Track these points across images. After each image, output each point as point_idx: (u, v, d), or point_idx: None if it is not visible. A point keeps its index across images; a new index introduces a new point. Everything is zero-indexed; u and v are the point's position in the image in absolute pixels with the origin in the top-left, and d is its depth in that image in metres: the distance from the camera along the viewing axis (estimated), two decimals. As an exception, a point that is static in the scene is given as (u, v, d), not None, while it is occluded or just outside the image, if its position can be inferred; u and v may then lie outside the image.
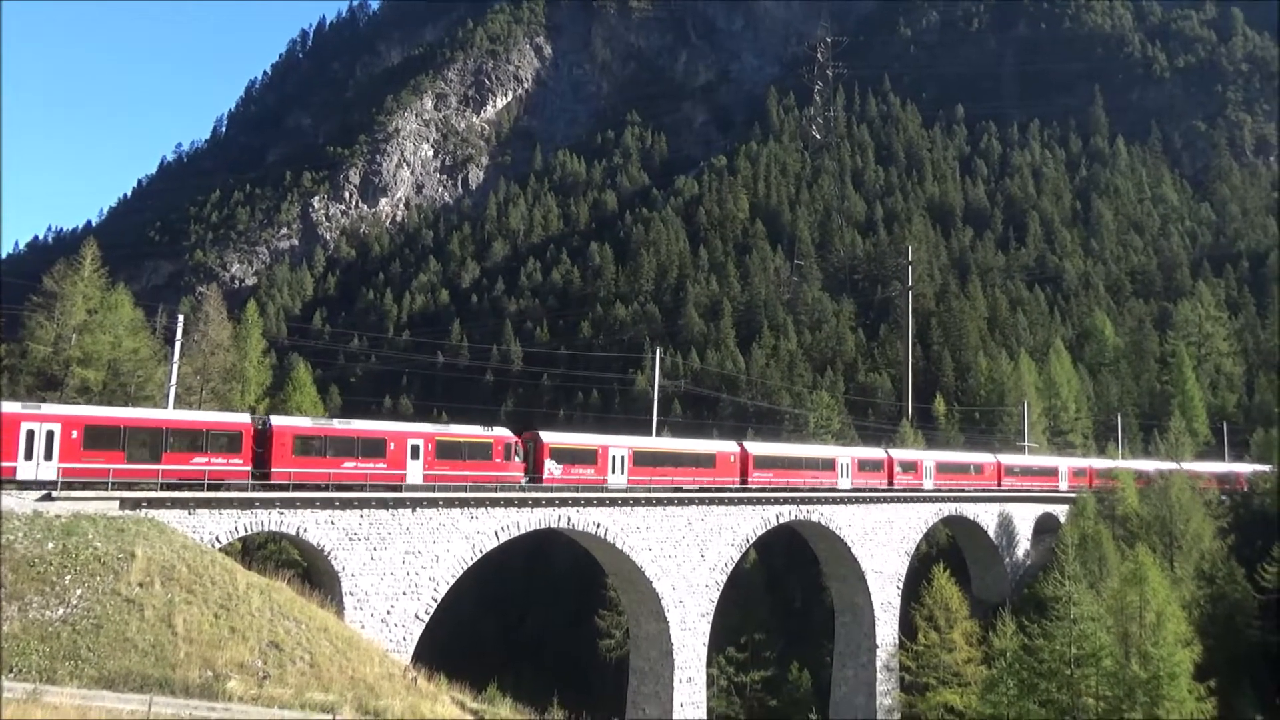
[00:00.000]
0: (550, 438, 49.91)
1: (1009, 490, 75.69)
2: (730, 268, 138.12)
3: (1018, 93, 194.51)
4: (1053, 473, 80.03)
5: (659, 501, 52.03)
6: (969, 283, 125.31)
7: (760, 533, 57.68)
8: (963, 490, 72.27)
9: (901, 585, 65.26)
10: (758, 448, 60.94)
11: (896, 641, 63.70)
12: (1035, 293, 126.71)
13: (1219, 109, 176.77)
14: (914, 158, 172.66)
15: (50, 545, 31.79)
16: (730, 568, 55.55)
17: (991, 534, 73.20)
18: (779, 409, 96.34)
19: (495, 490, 46.01)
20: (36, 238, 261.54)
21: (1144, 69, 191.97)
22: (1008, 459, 77.66)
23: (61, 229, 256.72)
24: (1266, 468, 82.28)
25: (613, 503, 50.05)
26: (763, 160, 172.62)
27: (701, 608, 53.26)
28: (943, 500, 70.13)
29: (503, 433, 47.69)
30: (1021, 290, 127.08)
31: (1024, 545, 75.99)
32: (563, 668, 77.28)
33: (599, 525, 49.21)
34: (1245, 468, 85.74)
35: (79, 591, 30.99)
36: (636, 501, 51.06)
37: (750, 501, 56.76)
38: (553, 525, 48.20)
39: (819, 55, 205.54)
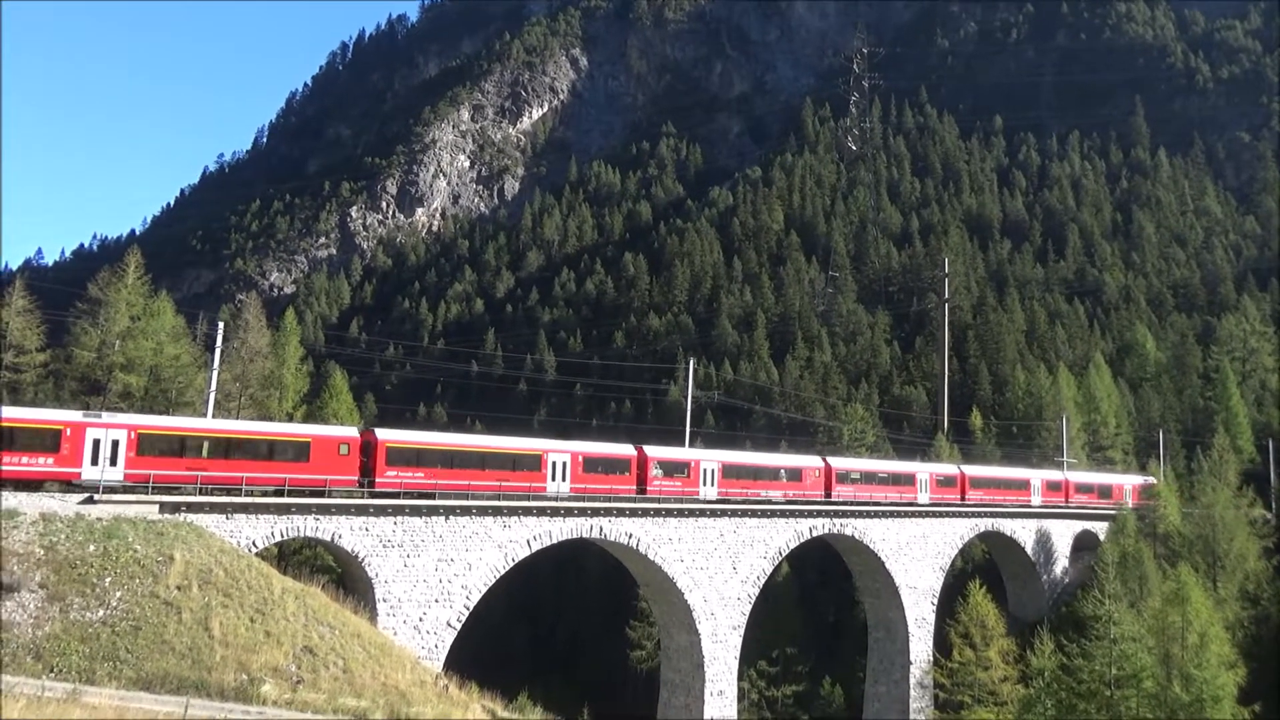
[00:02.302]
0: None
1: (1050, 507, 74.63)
2: (764, 279, 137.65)
3: (1057, 103, 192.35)
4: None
5: (690, 513, 51.85)
6: (1006, 295, 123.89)
7: (793, 545, 57.27)
8: (1000, 506, 71.38)
9: (936, 601, 64.46)
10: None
11: (931, 658, 62.88)
12: (1074, 306, 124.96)
13: (1264, 120, 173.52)
14: (951, 169, 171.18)
15: (91, 548, 32.31)
16: (762, 580, 55.20)
17: (1029, 550, 72.12)
18: (813, 421, 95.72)
19: (528, 499, 46.20)
20: (82, 245, 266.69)
21: (1186, 79, 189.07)
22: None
23: (106, 237, 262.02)
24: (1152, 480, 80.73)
25: (644, 513, 49.94)
26: (798, 171, 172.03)
27: (733, 620, 52.93)
28: (979, 515, 69.24)
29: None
30: (1060, 303, 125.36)
31: (1062, 562, 74.76)
32: (593, 678, 77.16)
33: (630, 535, 49.11)
34: (1138, 479, 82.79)
35: (118, 594, 31.44)
36: (669, 513, 50.92)
37: (782, 514, 56.39)
38: (585, 535, 48.21)
39: (855, 66, 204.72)
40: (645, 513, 49.97)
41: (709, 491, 52.99)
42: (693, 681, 52.06)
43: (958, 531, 67.37)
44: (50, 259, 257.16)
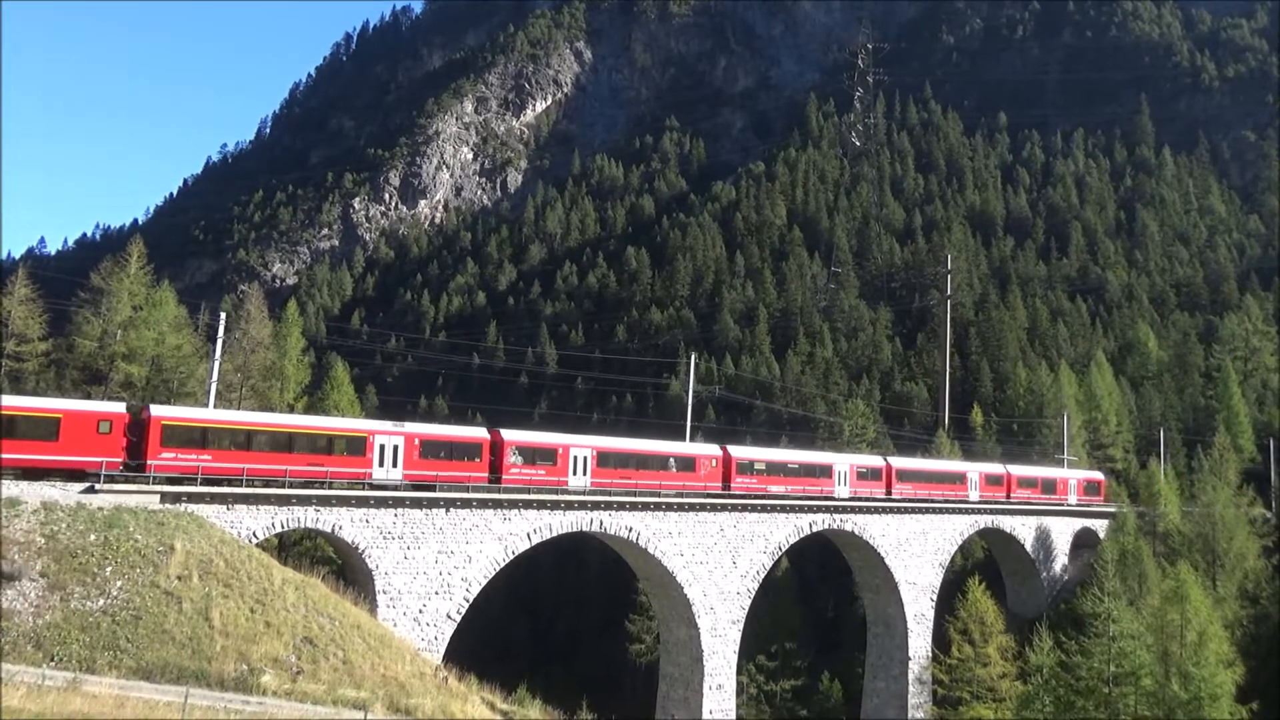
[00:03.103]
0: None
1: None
2: (766, 274, 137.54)
3: (1062, 101, 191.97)
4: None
5: (691, 507, 51.90)
6: (1009, 293, 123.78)
7: (793, 540, 57.33)
8: (1002, 503, 71.46)
9: (935, 597, 64.55)
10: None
11: (929, 654, 63.00)
12: (1077, 304, 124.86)
13: (1269, 119, 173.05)
14: (955, 166, 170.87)
15: (92, 537, 32.37)
16: (762, 575, 55.26)
17: (1029, 547, 72.18)
18: (813, 417, 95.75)
19: (529, 492, 46.27)
20: (85, 235, 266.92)
21: (1192, 78, 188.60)
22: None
23: (109, 227, 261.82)
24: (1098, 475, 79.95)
25: (644, 507, 49.99)
26: (801, 167, 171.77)
27: (732, 615, 53.02)
28: (980, 513, 69.32)
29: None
30: (1063, 301, 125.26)
31: (1061, 560, 74.84)
32: (593, 671, 77.27)
33: (630, 529, 49.17)
34: (1082, 474, 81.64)
35: (119, 583, 31.50)
36: (669, 507, 50.97)
37: (783, 509, 56.44)
38: (585, 529, 48.27)
39: (860, 61, 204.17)
40: (645, 506, 50.02)
41: (580, 481, 48.58)
42: (692, 675, 52.16)
43: (957, 528, 67.42)
44: (53, 248, 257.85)
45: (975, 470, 72.12)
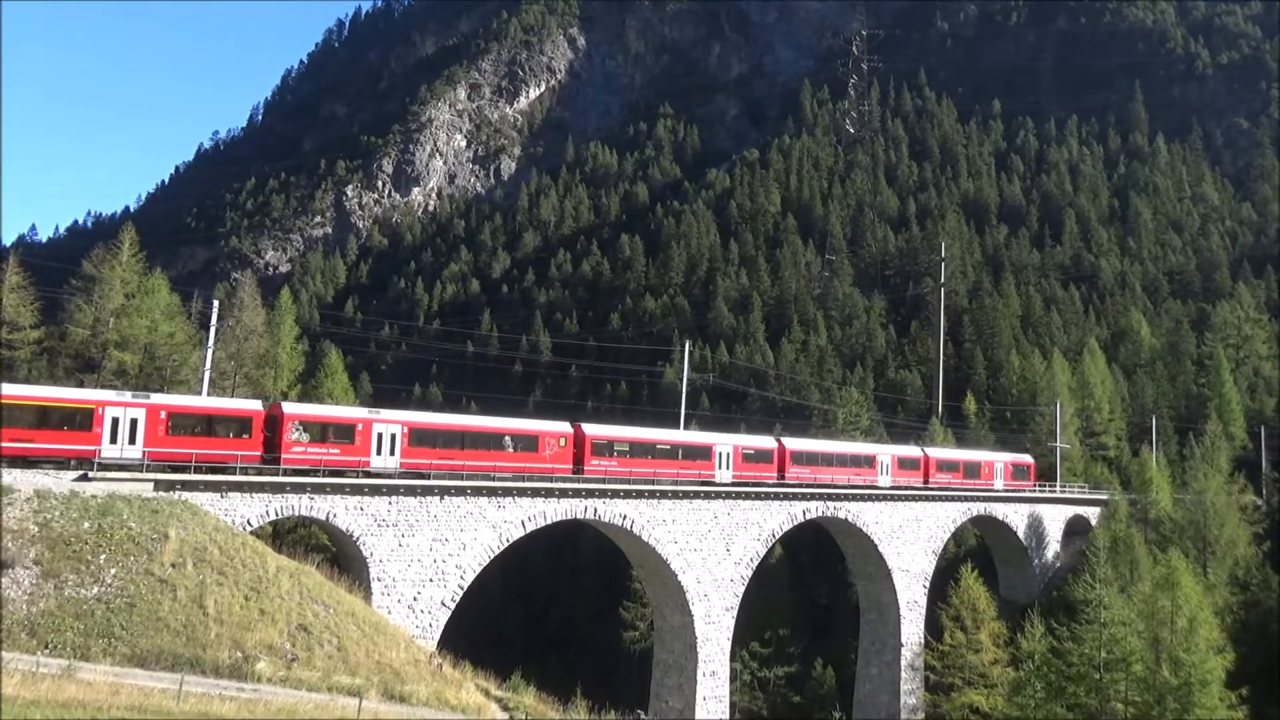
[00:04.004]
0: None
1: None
2: (761, 262, 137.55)
3: (1056, 88, 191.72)
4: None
5: (685, 494, 52.00)
6: (1002, 280, 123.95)
7: (787, 528, 57.51)
8: (992, 490, 71.71)
9: (928, 584, 64.84)
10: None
11: (922, 641, 63.34)
12: (1070, 292, 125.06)
13: (1263, 106, 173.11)
14: (949, 153, 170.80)
15: (86, 525, 32.33)
16: (756, 563, 55.45)
17: (1021, 535, 72.50)
18: (808, 404, 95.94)
19: (521, 480, 46.31)
20: (76, 222, 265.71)
21: (1186, 65, 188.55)
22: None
23: (101, 214, 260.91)
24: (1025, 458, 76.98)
25: (639, 494, 50.08)
26: (795, 154, 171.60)
27: (726, 602, 53.22)
28: (972, 499, 69.56)
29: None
30: (1056, 289, 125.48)
31: (1054, 547, 75.20)
32: (587, 658, 77.57)
33: (625, 517, 49.26)
34: (1009, 456, 76.48)
35: (113, 571, 31.50)
36: (663, 494, 51.07)
37: (778, 496, 56.59)
38: (579, 516, 48.34)
39: (854, 48, 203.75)
40: (640, 494, 50.10)
41: (386, 463, 43.05)
42: (686, 662, 52.37)
43: (950, 515, 67.65)
44: (44, 235, 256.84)
45: (887, 453, 66.89)
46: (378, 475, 42.34)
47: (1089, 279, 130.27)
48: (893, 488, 64.62)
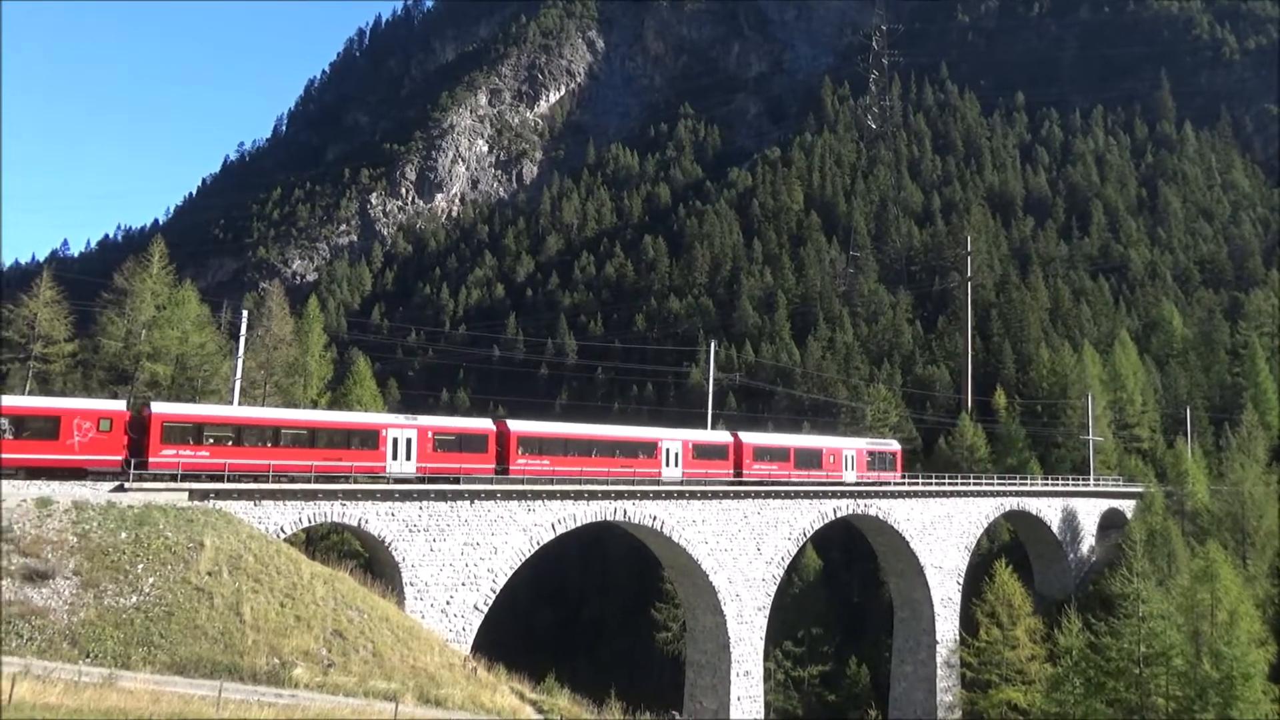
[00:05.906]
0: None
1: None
2: (785, 260, 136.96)
3: (1080, 78, 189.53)
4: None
5: (714, 495, 51.88)
6: (1030, 273, 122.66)
7: (817, 526, 57.23)
8: (1025, 485, 71.02)
9: (962, 580, 64.30)
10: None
11: (957, 638, 62.80)
12: (1099, 283, 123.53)
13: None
14: (972, 146, 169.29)
15: (123, 535, 32.71)
16: (787, 561, 55.22)
17: (1055, 529, 71.74)
18: (835, 402, 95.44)
19: (551, 483, 46.40)
20: (107, 236, 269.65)
21: (1212, 51, 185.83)
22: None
23: (130, 228, 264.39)
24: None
25: (668, 495, 50.02)
26: (817, 151, 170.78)
27: (758, 601, 53.03)
28: (1005, 495, 68.92)
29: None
30: (1085, 280, 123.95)
31: (1089, 541, 74.36)
32: (619, 659, 77.57)
33: (655, 518, 49.21)
34: (864, 442, 64.89)
35: (151, 580, 31.83)
36: (692, 495, 50.97)
37: (807, 495, 56.31)
38: (609, 519, 48.35)
39: (874, 43, 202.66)
40: (669, 495, 50.05)
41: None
42: (719, 662, 52.26)
43: (983, 510, 67.07)
44: (76, 250, 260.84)
45: (679, 438, 54.06)
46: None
47: (1118, 270, 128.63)
48: (680, 482, 52.31)
